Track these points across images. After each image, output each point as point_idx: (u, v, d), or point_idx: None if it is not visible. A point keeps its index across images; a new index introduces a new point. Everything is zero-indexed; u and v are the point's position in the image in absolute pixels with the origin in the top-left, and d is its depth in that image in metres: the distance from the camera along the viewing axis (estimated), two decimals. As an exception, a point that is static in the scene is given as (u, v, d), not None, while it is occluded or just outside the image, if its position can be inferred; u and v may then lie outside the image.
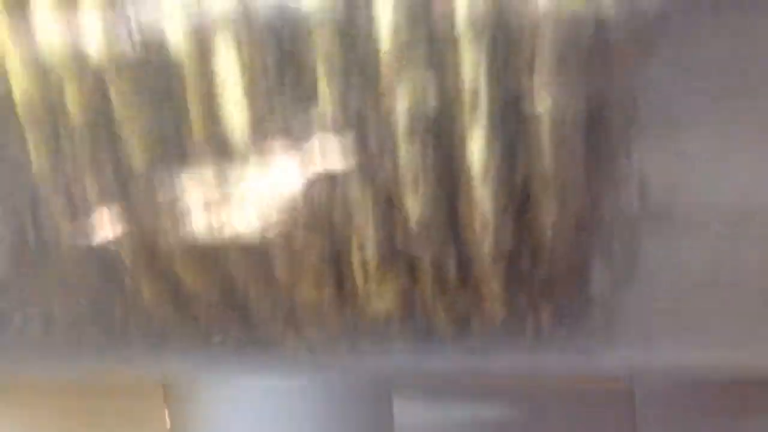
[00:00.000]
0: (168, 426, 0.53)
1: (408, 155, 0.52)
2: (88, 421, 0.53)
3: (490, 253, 0.36)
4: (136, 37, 0.44)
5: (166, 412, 0.54)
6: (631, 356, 0.39)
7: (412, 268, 0.38)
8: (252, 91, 0.51)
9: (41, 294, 0.47)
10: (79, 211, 0.40)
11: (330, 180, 0.49)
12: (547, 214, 0.43)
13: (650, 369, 0.41)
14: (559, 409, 0.47)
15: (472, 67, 0.48)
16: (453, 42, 0.50)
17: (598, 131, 0.46)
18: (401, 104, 0.50)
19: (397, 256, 0.40)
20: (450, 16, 0.52)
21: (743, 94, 0.32)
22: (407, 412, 0.52)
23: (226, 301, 0.41)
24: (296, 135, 0.51)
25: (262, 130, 0.52)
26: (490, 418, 0.53)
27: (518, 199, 0.44)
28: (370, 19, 0.45)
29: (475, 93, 0.49)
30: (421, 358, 0.40)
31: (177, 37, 0.46)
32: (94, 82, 0.40)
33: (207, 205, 0.49)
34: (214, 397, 0.53)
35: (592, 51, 0.33)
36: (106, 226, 0.46)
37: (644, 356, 0.39)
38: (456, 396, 0.50)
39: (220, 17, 0.43)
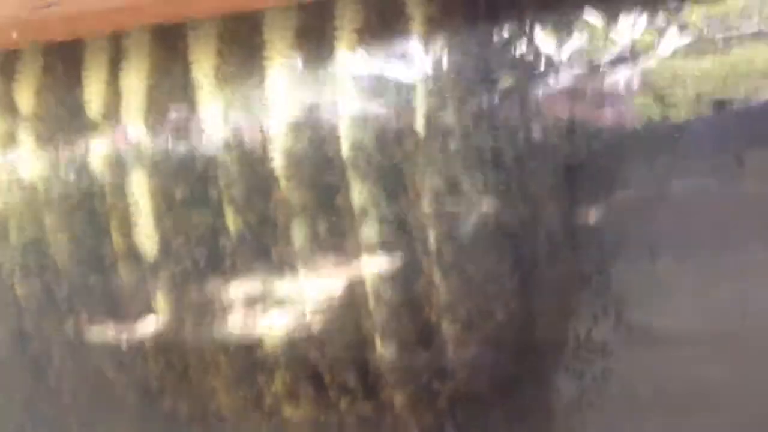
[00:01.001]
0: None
1: (306, 276, 0.56)
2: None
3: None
4: (67, 172, 0.53)
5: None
6: None
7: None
8: (161, 217, 0.57)
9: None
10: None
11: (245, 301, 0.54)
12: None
13: None
14: None
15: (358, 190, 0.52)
16: (340, 167, 0.53)
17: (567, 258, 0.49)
18: (298, 228, 0.53)
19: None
20: (336, 144, 0.56)
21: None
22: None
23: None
24: (205, 257, 0.54)
25: (171, 249, 0.56)
26: None
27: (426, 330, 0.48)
28: (268, 156, 0.50)
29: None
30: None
31: (99, 170, 0.53)
32: (33, 211, 0.50)
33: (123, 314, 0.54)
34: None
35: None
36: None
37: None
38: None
39: (137, 154, 0.51)
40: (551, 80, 0.52)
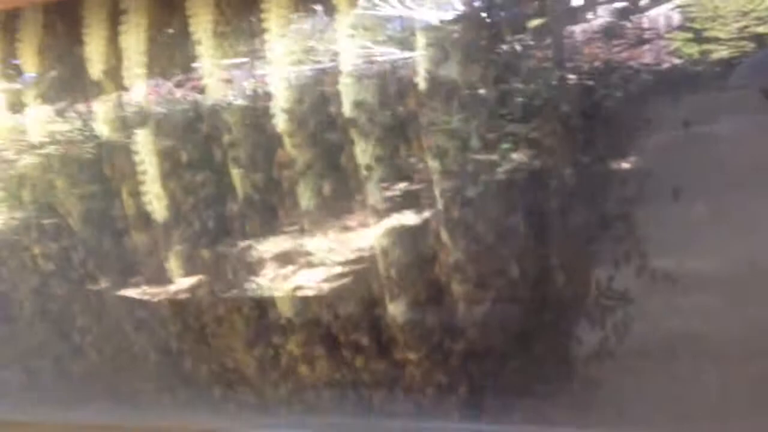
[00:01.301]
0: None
1: (312, 235, 0.52)
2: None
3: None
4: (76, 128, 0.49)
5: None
6: None
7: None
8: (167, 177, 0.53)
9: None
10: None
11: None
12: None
13: None
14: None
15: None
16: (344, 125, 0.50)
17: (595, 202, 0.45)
18: (305, 185, 0.50)
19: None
20: (338, 101, 0.51)
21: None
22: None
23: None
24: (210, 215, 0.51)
25: (180, 210, 0.53)
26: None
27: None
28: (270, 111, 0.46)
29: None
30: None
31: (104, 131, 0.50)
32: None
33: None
34: None
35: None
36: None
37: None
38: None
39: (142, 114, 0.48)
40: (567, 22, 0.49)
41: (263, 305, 0.57)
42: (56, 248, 0.61)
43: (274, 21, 0.50)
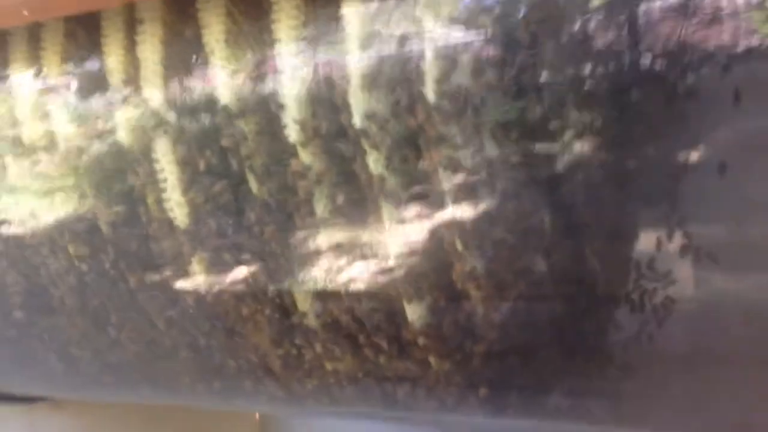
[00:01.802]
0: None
1: (333, 241, 0.53)
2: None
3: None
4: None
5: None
6: None
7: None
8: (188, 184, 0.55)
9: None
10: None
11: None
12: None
13: None
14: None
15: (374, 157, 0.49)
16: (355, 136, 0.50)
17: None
18: (318, 196, 0.50)
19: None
20: (348, 111, 0.52)
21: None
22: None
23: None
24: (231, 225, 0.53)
25: (201, 215, 0.55)
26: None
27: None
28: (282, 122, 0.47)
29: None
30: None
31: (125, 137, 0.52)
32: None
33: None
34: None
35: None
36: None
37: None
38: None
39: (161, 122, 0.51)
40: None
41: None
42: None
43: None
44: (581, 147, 0.47)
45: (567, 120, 0.47)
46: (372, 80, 0.49)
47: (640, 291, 0.52)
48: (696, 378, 0.56)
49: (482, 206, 0.50)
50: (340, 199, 0.52)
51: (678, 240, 0.51)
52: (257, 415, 1.26)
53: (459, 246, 0.51)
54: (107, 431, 0.98)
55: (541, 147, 0.47)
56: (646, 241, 0.53)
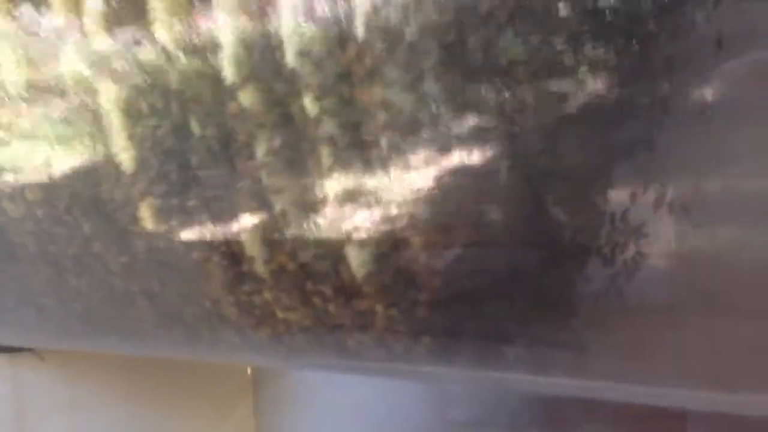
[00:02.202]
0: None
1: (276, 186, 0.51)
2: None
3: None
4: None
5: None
6: None
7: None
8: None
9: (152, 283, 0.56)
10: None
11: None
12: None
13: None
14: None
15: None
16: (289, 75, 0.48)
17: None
18: (258, 138, 0.49)
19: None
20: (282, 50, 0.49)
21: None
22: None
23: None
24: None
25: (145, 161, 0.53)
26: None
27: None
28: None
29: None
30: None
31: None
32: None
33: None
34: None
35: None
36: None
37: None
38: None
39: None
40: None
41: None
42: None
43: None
44: (539, 86, 0.45)
45: (523, 54, 0.44)
46: (305, 18, 0.47)
47: (612, 245, 0.51)
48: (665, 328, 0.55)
49: (423, 150, 0.49)
50: (277, 142, 0.50)
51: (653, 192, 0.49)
52: (249, 370, 1.26)
53: (400, 191, 0.50)
54: (90, 381, 0.99)
55: (490, 84, 0.45)
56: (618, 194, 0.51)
